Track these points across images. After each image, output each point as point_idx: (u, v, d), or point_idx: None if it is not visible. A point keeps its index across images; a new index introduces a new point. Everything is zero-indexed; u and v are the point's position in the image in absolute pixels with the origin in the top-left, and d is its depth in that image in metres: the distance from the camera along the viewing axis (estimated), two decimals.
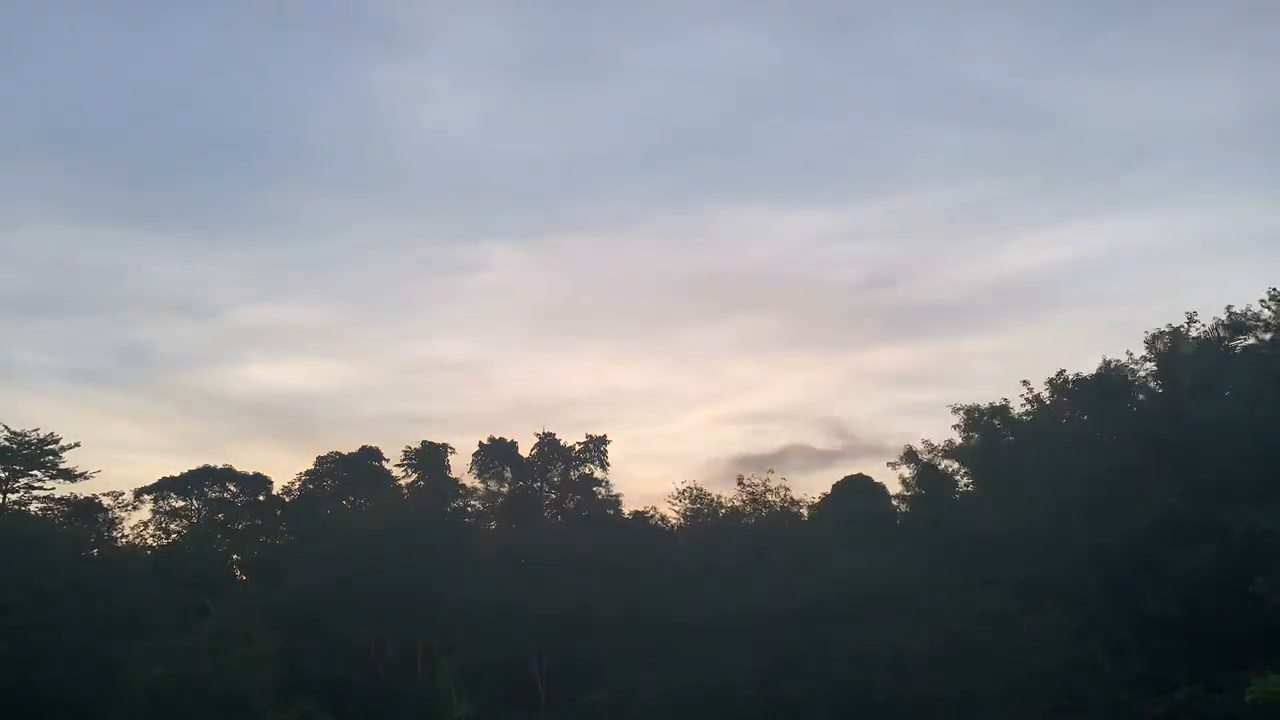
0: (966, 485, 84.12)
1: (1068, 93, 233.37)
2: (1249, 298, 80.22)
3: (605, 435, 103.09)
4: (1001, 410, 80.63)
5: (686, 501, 79.28)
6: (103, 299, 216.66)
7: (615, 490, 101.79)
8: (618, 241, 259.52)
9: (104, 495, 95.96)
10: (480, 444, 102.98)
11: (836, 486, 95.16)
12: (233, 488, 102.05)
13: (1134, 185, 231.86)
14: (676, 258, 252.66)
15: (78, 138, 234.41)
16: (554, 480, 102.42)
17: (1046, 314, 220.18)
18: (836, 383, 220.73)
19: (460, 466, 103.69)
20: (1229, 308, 74.99)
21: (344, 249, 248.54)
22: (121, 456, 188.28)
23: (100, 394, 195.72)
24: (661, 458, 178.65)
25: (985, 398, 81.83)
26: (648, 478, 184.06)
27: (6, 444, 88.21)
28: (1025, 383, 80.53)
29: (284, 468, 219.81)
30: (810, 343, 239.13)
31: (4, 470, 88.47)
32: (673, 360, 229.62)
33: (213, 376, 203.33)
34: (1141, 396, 77.36)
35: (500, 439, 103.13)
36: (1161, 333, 76.58)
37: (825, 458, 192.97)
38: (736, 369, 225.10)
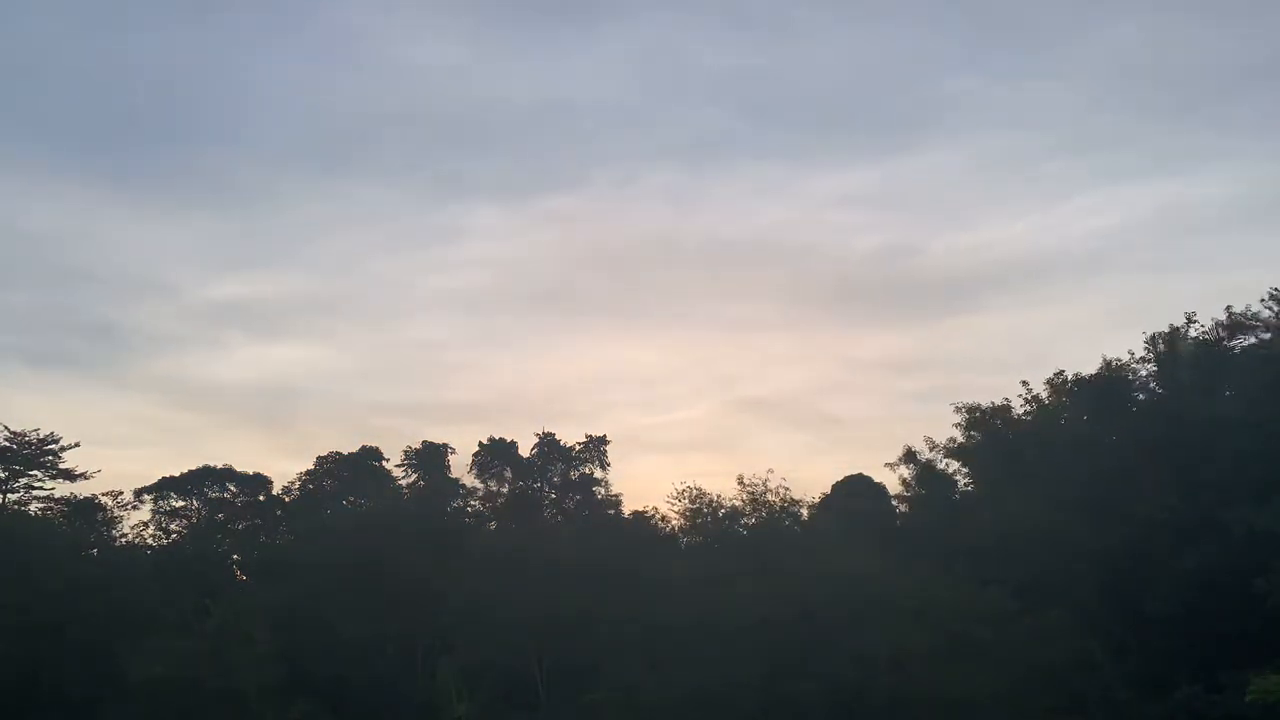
0: (966, 485, 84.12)
1: (1117, 30, 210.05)
2: None
3: (605, 435, 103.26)
4: (1002, 410, 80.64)
5: (686, 501, 79.24)
6: (58, 270, 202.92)
7: (615, 490, 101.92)
8: (613, 204, 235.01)
9: (104, 495, 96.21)
10: (480, 444, 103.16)
11: (836, 486, 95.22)
12: (233, 488, 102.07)
13: (1188, 139, 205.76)
14: (677, 222, 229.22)
15: (17, 92, 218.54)
16: (554, 480, 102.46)
17: (1093, 288, 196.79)
18: (851, 365, 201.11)
19: (460, 466, 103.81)
20: (1228, 308, 75.13)
21: (312, 217, 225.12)
22: (91, 449, 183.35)
23: (67, 378, 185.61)
24: (660, 448, 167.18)
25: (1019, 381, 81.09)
26: (643, 471, 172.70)
27: (6, 444, 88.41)
28: (1025, 383, 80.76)
29: (259, 455, 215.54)
30: (821, 322, 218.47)
31: (4, 470, 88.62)
32: (673, 341, 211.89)
33: (187, 360, 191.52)
34: (1141, 396, 77.33)
35: (500, 439, 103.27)
36: (1161, 333, 76.66)
37: None
38: (741, 350, 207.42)
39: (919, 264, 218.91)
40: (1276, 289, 72.61)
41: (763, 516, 76.64)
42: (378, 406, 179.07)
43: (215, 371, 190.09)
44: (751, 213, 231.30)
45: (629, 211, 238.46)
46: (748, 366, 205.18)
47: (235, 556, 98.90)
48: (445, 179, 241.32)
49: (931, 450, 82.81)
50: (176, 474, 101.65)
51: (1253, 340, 74.08)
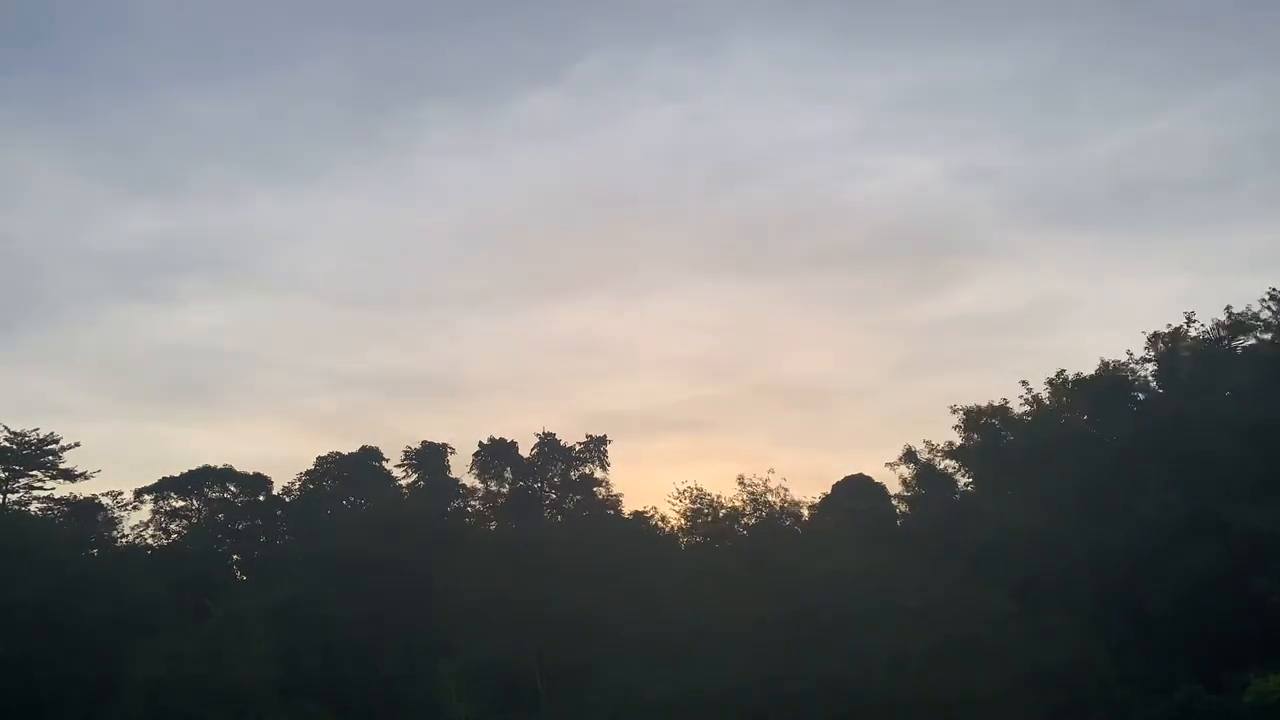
0: (966, 485, 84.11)
1: None
2: None
3: (605, 435, 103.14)
4: (1001, 410, 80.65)
5: (686, 501, 79.32)
6: None
7: (615, 490, 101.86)
8: (599, 104, 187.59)
9: (104, 495, 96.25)
10: (480, 444, 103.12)
11: (836, 486, 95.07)
12: (233, 488, 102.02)
13: None
14: (681, 134, 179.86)
15: None
16: (554, 480, 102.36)
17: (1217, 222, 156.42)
18: (895, 344, 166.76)
19: (460, 466, 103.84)
20: (1228, 308, 75.25)
21: (206, 134, 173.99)
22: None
23: None
24: (646, 431, 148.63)
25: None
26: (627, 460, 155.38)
27: (6, 444, 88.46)
28: (1024, 383, 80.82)
29: (203, 440, 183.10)
30: (855, 281, 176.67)
31: (4, 470, 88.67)
32: (664, 308, 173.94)
33: (70, 324, 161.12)
34: (1141, 396, 77.41)
35: (500, 439, 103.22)
36: (1162, 333, 76.76)
37: None
38: (755, 321, 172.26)
39: (988, 196, 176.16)
40: (1276, 289, 72.86)
41: (763, 516, 76.71)
42: (309, 378, 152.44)
43: (111, 338, 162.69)
44: (776, 121, 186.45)
45: (617, 113, 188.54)
46: (757, 340, 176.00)
47: (235, 556, 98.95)
48: (387, 76, 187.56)
49: (930, 452, 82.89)
50: (176, 474, 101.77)
51: (1253, 340, 74.14)
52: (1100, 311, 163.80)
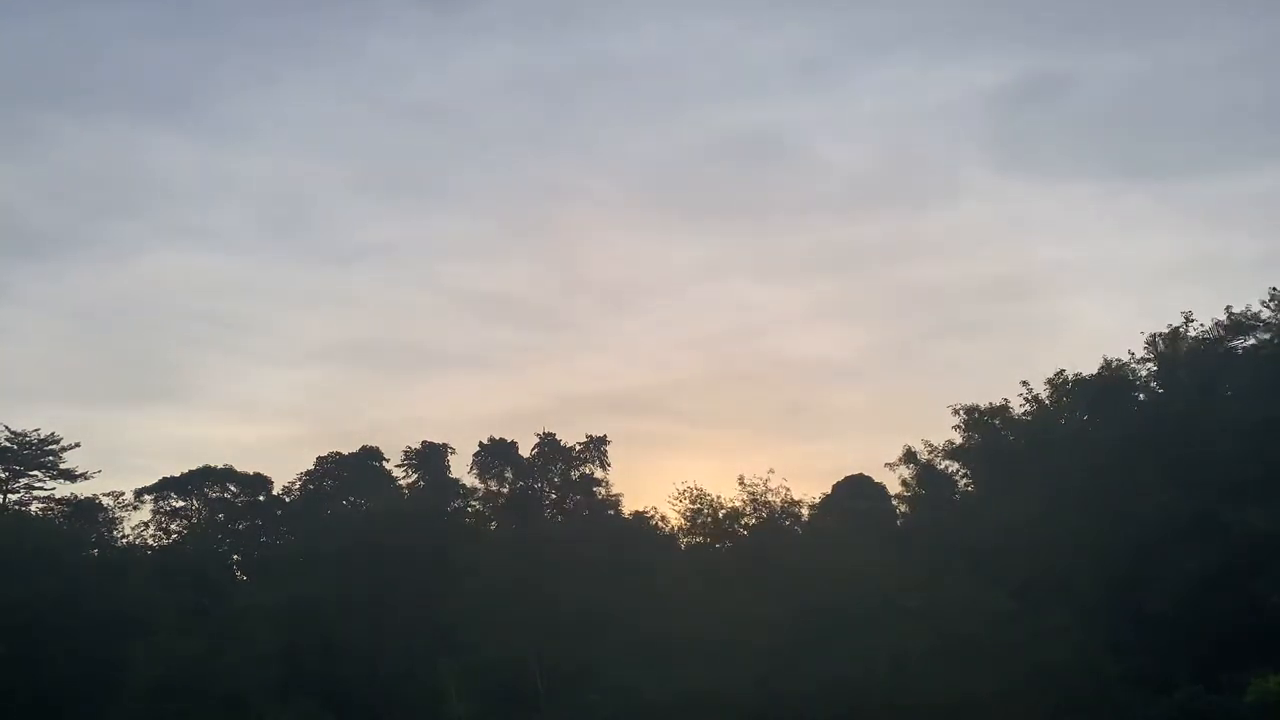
0: (966, 485, 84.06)
1: None
2: None
3: (605, 435, 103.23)
4: (1001, 410, 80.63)
5: (687, 502, 79.22)
6: None
7: (615, 490, 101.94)
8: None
9: (104, 495, 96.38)
10: (480, 444, 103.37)
11: (837, 486, 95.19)
12: (233, 488, 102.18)
13: None
14: (650, 37, 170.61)
15: None
16: (554, 480, 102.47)
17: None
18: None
19: (460, 467, 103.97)
20: (1229, 308, 75.25)
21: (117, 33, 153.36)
22: None
23: None
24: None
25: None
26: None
27: (7, 444, 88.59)
28: (1025, 383, 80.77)
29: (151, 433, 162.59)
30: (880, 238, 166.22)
31: (4, 470, 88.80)
32: (626, 271, 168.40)
33: None
34: (1141, 396, 77.40)
35: (500, 439, 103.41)
36: (1161, 333, 76.77)
37: None
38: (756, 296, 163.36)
39: (979, 130, 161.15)
40: (1276, 289, 72.85)
41: (763, 516, 76.65)
42: (243, 356, 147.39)
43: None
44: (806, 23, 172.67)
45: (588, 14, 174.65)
46: (737, 311, 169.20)
47: (235, 556, 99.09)
48: None
49: (930, 452, 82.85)
50: (177, 474, 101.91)
51: (1253, 340, 74.14)
52: (1104, 275, 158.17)
